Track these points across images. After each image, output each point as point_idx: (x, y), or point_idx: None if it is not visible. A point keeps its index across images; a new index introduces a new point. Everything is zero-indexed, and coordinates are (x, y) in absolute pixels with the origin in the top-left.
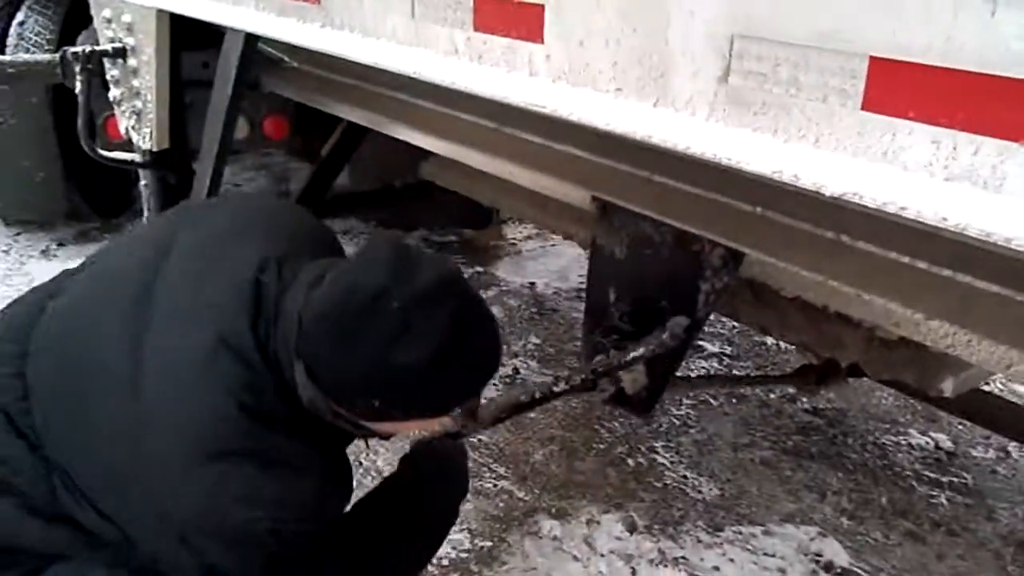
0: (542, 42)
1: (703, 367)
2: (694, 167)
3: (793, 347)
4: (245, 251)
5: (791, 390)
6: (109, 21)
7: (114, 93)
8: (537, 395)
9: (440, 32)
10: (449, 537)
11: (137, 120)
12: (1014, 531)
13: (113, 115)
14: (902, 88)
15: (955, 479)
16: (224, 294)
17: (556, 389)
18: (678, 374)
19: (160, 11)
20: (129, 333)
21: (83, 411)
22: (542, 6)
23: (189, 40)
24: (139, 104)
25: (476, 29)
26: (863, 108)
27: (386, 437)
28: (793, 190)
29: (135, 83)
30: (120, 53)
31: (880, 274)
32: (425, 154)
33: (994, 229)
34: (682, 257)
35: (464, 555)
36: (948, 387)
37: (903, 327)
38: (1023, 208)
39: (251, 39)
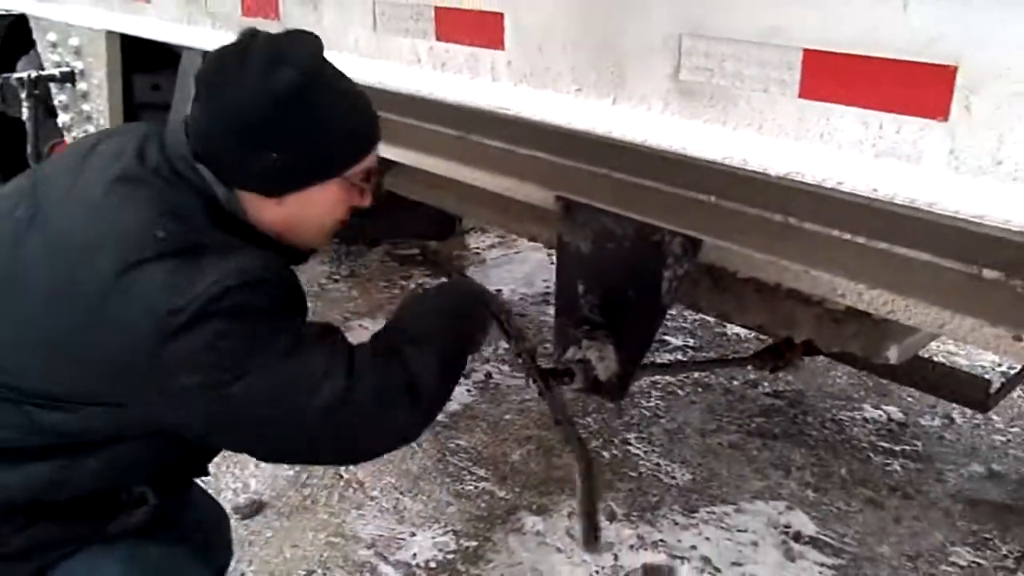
0: (503, 49)
1: (668, 359)
2: (650, 162)
3: (752, 335)
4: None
5: (752, 376)
6: (55, 45)
7: (63, 119)
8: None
9: (403, 43)
10: (434, 539)
11: None
12: (961, 491)
13: (62, 142)
14: (833, 77)
15: (907, 447)
16: (107, 157)
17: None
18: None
19: (110, 33)
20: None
21: None
22: (501, 15)
23: (138, 62)
24: (92, 128)
25: (438, 39)
26: (800, 96)
27: (307, 249)
28: (743, 178)
29: (86, 107)
30: (68, 77)
31: (825, 251)
32: (386, 166)
33: (917, 196)
34: (644, 248)
35: (451, 556)
36: (893, 354)
37: (849, 297)
38: (940, 177)
39: None
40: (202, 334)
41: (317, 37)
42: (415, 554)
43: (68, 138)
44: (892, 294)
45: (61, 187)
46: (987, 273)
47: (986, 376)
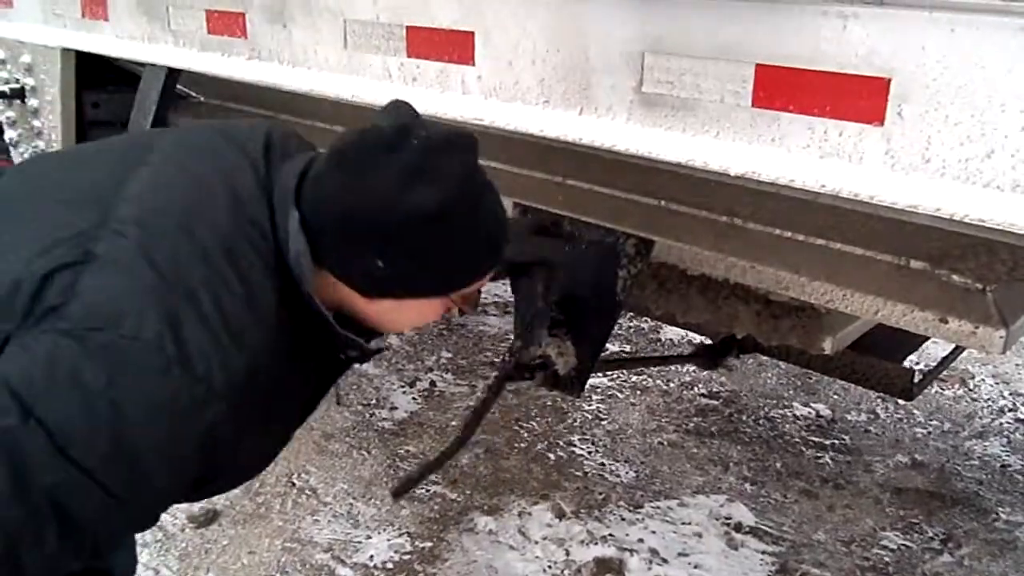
0: (473, 64)
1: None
2: (604, 169)
3: (684, 340)
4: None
5: (688, 379)
6: (4, 62)
7: (10, 135)
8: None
9: (373, 60)
10: (390, 541)
11: None
12: (889, 479)
13: (8, 159)
14: (782, 88)
15: (836, 441)
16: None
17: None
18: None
19: (65, 50)
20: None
21: None
22: (472, 33)
23: (82, 80)
24: (42, 144)
25: (409, 56)
26: (753, 105)
27: (361, 347)
28: (691, 182)
29: (36, 123)
30: (18, 94)
31: (768, 248)
32: None
33: (860, 191)
34: (600, 249)
35: (407, 557)
36: (828, 345)
37: (791, 289)
38: (878, 174)
39: (172, 76)
40: None
41: (474, 143)
42: (372, 556)
43: (15, 154)
44: (831, 285)
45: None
46: (914, 264)
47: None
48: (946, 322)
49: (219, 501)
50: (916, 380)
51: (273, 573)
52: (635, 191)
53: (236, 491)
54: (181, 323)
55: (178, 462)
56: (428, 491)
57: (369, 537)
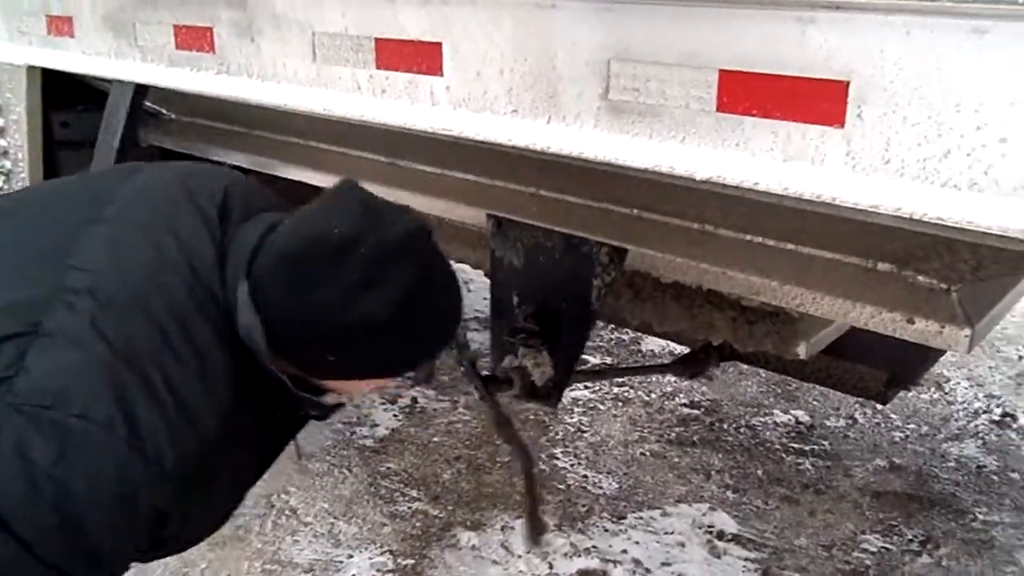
0: (442, 75)
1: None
2: (577, 179)
3: (665, 351)
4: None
5: (669, 389)
6: None
7: None
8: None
9: (342, 72)
10: (372, 560)
11: (6, 180)
12: (868, 484)
13: None
14: (745, 93)
15: (816, 447)
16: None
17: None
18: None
19: (31, 68)
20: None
21: None
22: (440, 44)
23: (51, 99)
24: (8, 164)
25: (378, 67)
26: (717, 110)
27: (321, 407)
28: (663, 191)
29: (2, 143)
30: None
31: (739, 253)
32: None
33: (822, 192)
34: (574, 259)
35: (389, 575)
36: (802, 350)
37: (763, 294)
38: (840, 176)
39: (140, 92)
40: None
41: (428, 235)
42: (354, 575)
43: None
44: (801, 289)
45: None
46: (881, 266)
47: None
48: (913, 322)
49: None
50: (889, 383)
51: None
52: (608, 200)
53: None
54: (132, 402)
55: (126, 536)
56: (410, 508)
57: (351, 556)
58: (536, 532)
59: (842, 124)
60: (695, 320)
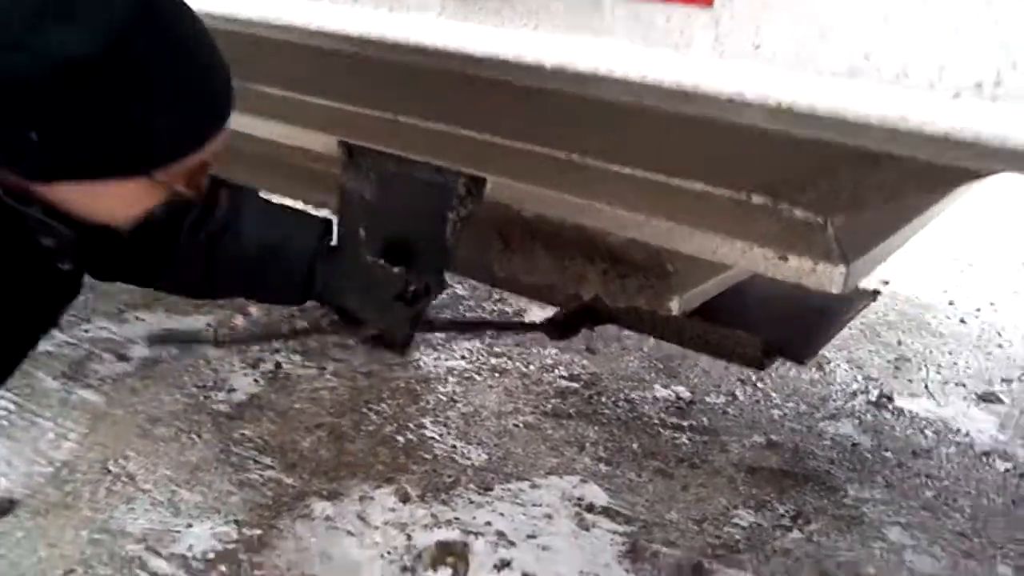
0: None
1: (466, 347)
2: (435, 104)
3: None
4: None
5: (549, 361)
6: None
7: None
8: (298, 327)
9: None
10: (213, 530)
11: None
12: (744, 459)
13: None
14: None
15: (694, 422)
16: None
17: (324, 324)
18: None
19: None
20: None
21: None
22: None
23: None
24: None
25: None
26: None
27: (63, 231)
28: (525, 116)
29: None
30: None
31: (606, 184)
32: None
33: (685, 80)
34: (428, 190)
35: (231, 546)
36: (675, 306)
37: (631, 229)
38: (706, 62)
39: None
40: None
41: None
42: (191, 546)
43: None
44: (669, 223)
45: None
46: (755, 199)
47: None
48: (786, 260)
49: (18, 490)
50: (767, 350)
51: (74, 568)
52: (468, 126)
53: (40, 479)
54: None
55: None
56: (262, 476)
57: (190, 526)
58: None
59: (711, 4)
60: (566, 272)
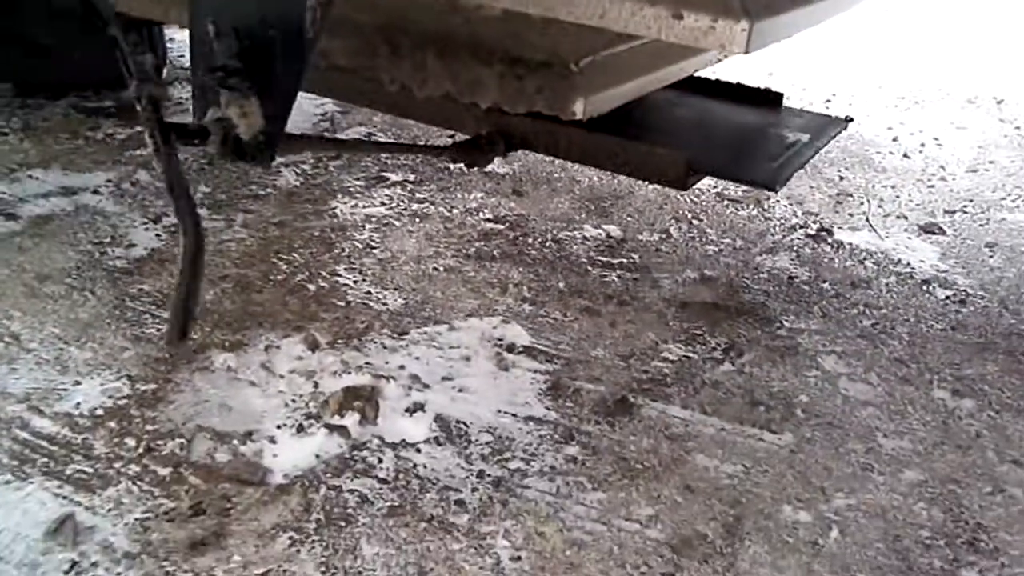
0: None
1: (386, 194)
2: None
3: (474, 172)
4: None
5: (474, 205)
6: None
7: None
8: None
9: None
10: (103, 386)
11: None
12: (675, 295)
13: None
14: None
15: (625, 260)
16: None
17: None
18: (299, 133)
19: None
20: None
21: None
22: None
23: None
24: None
25: None
26: None
27: None
28: None
29: None
30: None
31: None
32: None
33: None
34: None
35: (122, 401)
36: (579, 108)
37: None
38: None
39: None
40: None
41: None
42: (79, 404)
43: None
44: None
45: None
46: None
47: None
48: (680, 17)
49: None
50: (690, 167)
51: None
52: None
53: None
54: None
55: None
56: (159, 331)
57: (78, 383)
58: (180, 329)
59: None
60: (459, 79)
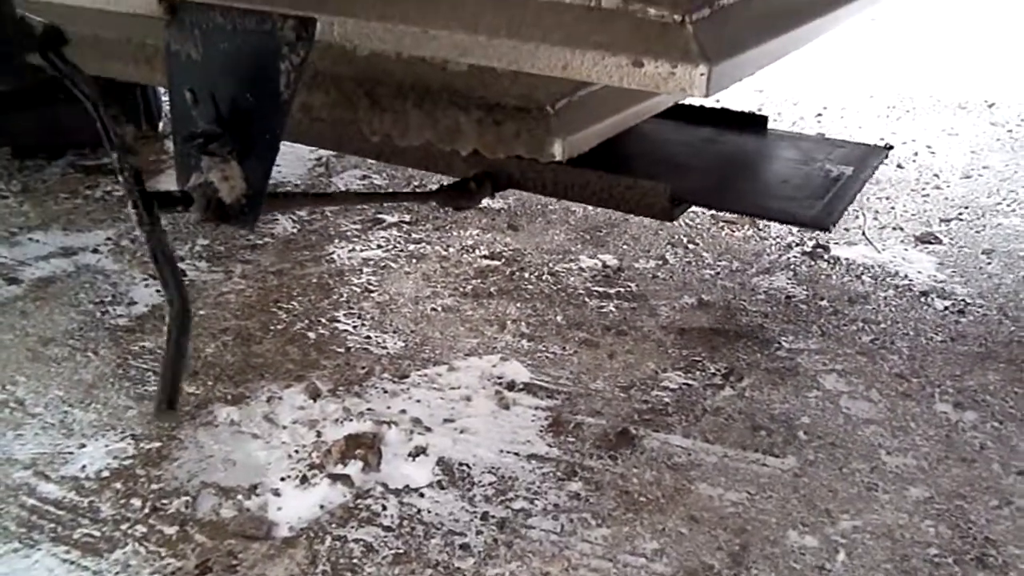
0: None
1: (382, 236)
2: None
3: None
4: None
5: (470, 242)
6: None
7: None
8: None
9: None
10: (108, 447)
11: None
12: (673, 322)
13: None
14: None
15: (622, 289)
16: None
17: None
18: (282, 192)
19: None
20: None
21: None
22: None
23: None
24: None
25: None
26: None
27: None
28: None
29: None
30: None
31: (441, 8)
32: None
33: None
34: (256, 40)
35: (128, 462)
36: (557, 150)
37: (472, 53)
38: None
39: None
40: None
41: None
42: (84, 466)
43: None
44: (514, 41)
45: None
46: (606, 2)
47: None
48: (641, 65)
49: None
50: (673, 198)
51: None
52: None
53: None
54: None
55: None
56: None
57: (83, 446)
58: (168, 399)
59: None
60: (439, 126)
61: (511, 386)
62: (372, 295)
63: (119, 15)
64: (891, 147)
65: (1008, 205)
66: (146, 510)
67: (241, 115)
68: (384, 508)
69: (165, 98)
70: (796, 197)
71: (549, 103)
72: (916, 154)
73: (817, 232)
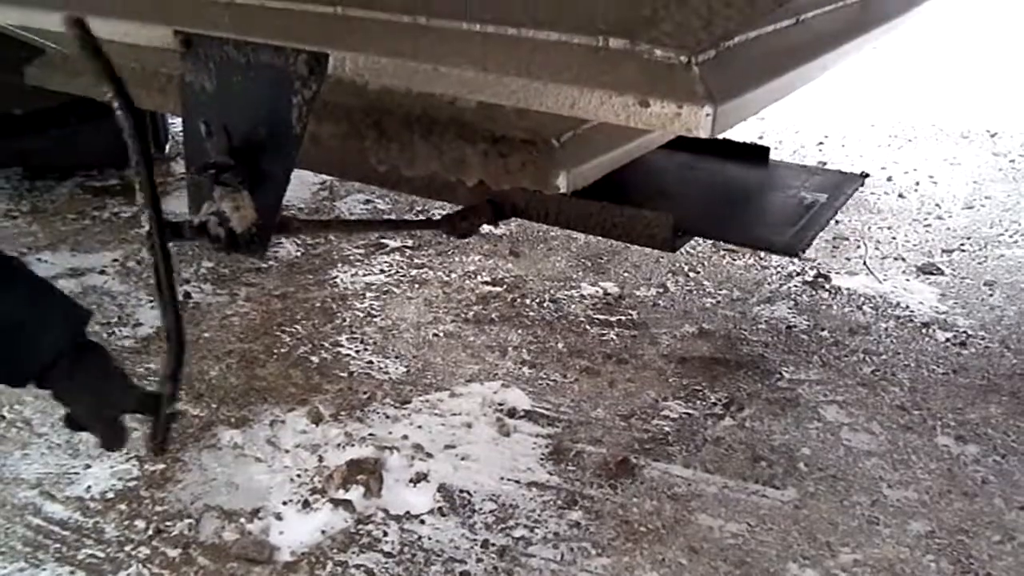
0: None
1: (385, 261)
2: None
3: (472, 242)
4: None
5: (472, 268)
6: None
7: None
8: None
9: None
10: (113, 468)
11: None
12: (674, 350)
13: None
14: None
15: (623, 317)
16: None
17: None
18: (290, 217)
19: None
20: None
21: None
22: None
23: None
24: None
25: None
26: None
27: None
28: None
29: None
30: None
31: (453, 44)
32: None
33: None
34: (269, 74)
35: (132, 483)
36: (562, 183)
37: (483, 91)
38: None
39: None
40: None
41: None
42: (89, 487)
43: None
44: (523, 80)
45: None
46: (613, 43)
47: None
48: (647, 105)
49: None
50: (675, 228)
51: None
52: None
53: None
54: None
55: None
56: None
57: (88, 466)
58: (160, 445)
59: None
60: (444, 157)
61: (512, 413)
62: (375, 320)
63: (136, 47)
64: (867, 175)
65: (1011, 236)
66: (150, 532)
67: (253, 147)
68: (385, 534)
69: (171, 121)
70: (769, 223)
71: (555, 136)
72: (918, 184)
73: (818, 261)
